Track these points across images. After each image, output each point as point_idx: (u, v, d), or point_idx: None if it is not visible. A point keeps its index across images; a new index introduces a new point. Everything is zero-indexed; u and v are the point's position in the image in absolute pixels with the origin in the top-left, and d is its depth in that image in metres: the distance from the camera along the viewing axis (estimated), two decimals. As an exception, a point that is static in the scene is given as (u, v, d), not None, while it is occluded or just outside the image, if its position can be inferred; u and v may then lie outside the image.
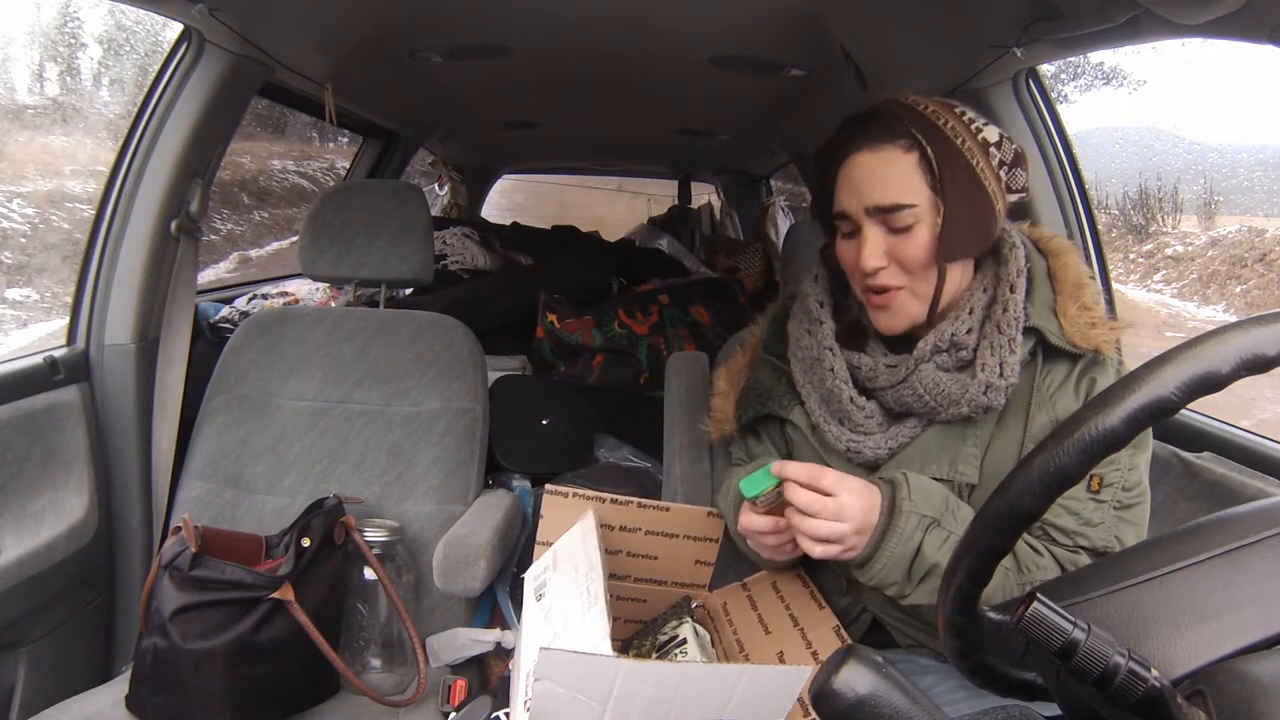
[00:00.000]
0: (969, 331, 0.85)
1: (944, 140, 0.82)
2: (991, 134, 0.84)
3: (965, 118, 0.84)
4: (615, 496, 0.99)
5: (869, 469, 0.89)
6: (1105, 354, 0.84)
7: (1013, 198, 0.86)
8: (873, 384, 0.88)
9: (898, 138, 0.82)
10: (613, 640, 0.72)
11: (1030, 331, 0.84)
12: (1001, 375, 0.82)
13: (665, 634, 0.97)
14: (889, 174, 0.82)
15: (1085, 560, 0.81)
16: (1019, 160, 0.85)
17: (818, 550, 0.80)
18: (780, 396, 0.97)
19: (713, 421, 1.06)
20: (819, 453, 0.93)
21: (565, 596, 0.84)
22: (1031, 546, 0.82)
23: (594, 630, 0.74)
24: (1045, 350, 0.85)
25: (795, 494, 0.80)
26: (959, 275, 0.86)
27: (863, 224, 0.84)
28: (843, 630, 0.89)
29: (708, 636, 0.96)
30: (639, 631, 1.02)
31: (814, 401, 0.92)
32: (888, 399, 0.88)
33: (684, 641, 0.93)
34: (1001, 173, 0.84)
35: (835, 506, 0.78)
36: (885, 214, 0.82)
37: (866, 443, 0.88)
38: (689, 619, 0.97)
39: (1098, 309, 0.85)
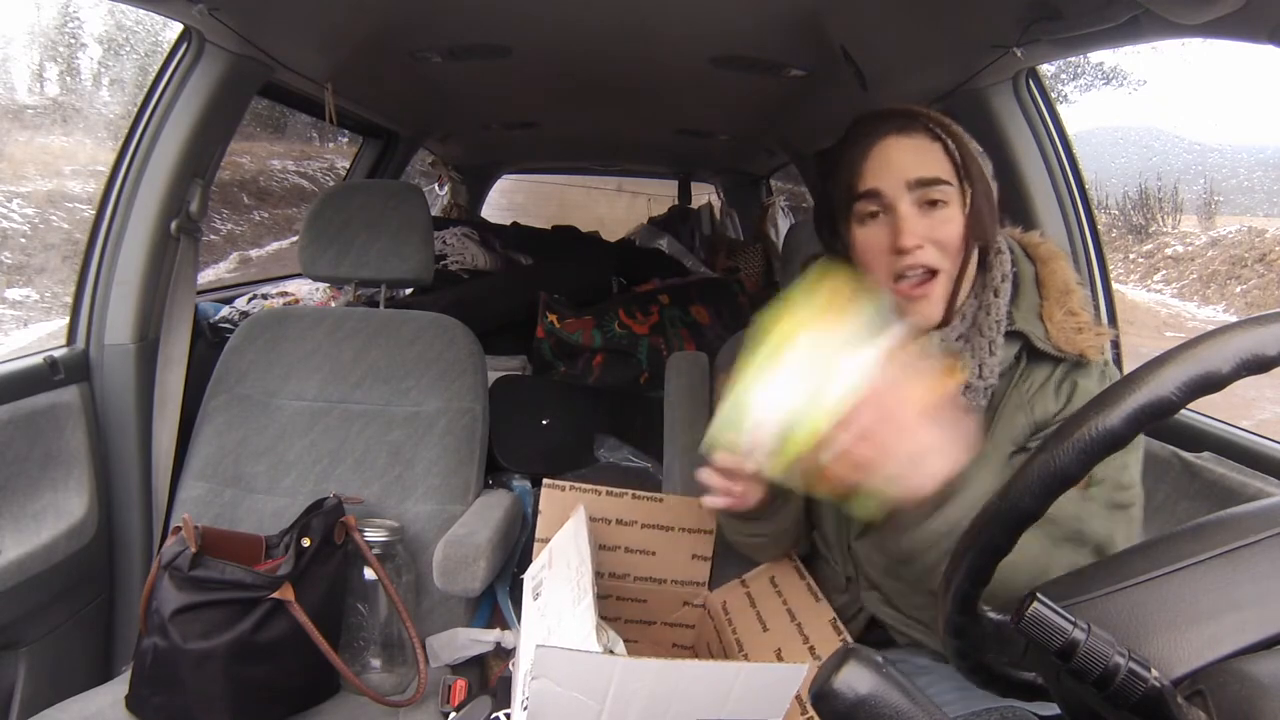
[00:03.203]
0: (959, 338, 0.86)
1: (960, 138, 0.86)
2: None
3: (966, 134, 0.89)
4: (610, 489, 0.99)
5: None
6: (1091, 359, 0.84)
7: None
8: None
9: (923, 129, 0.85)
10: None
11: (1016, 336, 0.85)
12: (980, 376, 0.84)
13: None
14: (923, 153, 0.84)
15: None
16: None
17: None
18: None
19: None
20: None
21: (559, 592, 0.84)
22: None
23: (582, 624, 0.74)
24: (1030, 354, 0.86)
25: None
26: (971, 270, 0.87)
27: (897, 202, 0.84)
28: (839, 623, 0.89)
29: None
30: None
31: None
32: None
33: None
34: (994, 185, 0.88)
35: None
36: (925, 187, 0.83)
37: None
38: None
39: (1084, 314, 0.86)
